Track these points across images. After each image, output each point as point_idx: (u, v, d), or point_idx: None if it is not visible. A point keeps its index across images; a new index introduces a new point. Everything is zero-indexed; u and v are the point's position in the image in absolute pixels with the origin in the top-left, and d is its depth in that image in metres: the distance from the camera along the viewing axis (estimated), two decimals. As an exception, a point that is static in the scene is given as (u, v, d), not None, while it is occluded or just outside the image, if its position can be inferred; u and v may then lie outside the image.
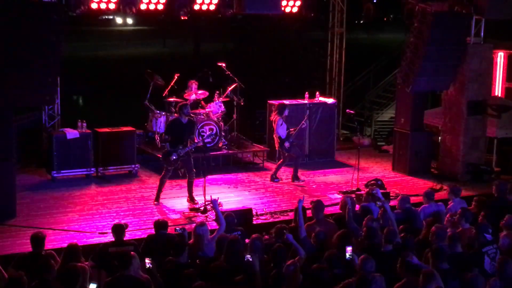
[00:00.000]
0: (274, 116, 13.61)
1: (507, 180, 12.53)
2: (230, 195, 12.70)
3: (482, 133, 14.43)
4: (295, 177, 13.67)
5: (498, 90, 17.14)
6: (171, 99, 14.81)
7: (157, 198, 12.08)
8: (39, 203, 12.03)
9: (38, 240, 8.28)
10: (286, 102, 15.44)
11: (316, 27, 24.74)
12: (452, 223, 9.49)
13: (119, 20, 64.51)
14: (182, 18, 14.25)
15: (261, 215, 11.49)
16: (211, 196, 11.19)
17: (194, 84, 14.99)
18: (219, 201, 11.80)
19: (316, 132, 15.20)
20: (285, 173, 14.32)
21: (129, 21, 64.60)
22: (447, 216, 9.94)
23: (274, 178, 13.75)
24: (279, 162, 13.88)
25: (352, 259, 7.88)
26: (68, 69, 15.65)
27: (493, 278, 7.49)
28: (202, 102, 14.93)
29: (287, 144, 13.44)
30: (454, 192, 10.81)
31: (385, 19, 51.62)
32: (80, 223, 10.95)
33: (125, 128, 14.20)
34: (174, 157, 11.76)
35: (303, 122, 13.80)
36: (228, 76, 15.21)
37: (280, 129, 13.45)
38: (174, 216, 11.43)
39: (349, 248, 7.98)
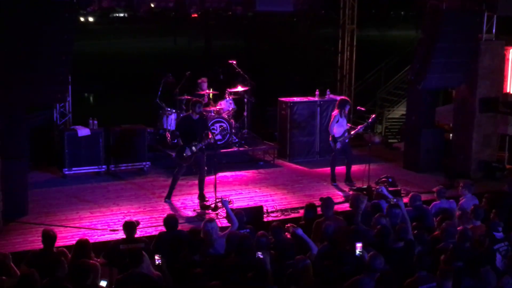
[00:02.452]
0: (334, 111, 13.34)
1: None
2: (240, 192, 12.71)
3: (494, 130, 14.36)
4: (348, 179, 13.33)
5: (510, 87, 17.03)
6: (182, 97, 14.83)
7: (169, 195, 12.09)
8: (51, 200, 12.08)
9: (49, 237, 8.32)
10: (296, 99, 15.46)
11: (327, 24, 24.70)
12: (462, 220, 9.47)
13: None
14: (193, 15, 14.25)
15: (272, 212, 11.48)
16: (222, 197, 11.19)
17: (204, 82, 15.01)
18: (230, 198, 11.84)
19: (326, 130, 15.14)
20: (301, 171, 14.32)
21: (90, 19, 64.78)
22: (458, 212, 9.95)
23: (333, 180, 13.43)
24: (331, 162, 13.46)
25: (362, 255, 7.88)
26: (79, 67, 15.70)
27: (505, 276, 7.47)
28: (211, 103, 14.92)
29: (338, 145, 13.05)
30: (467, 188, 10.78)
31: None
32: (91, 220, 10.99)
33: (136, 126, 14.23)
34: (188, 154, 11.76)
35: (367, 122, 13.50)
36: (239, 74, 15.21)
37: (334, 126, 13.11)
38: (184, 214, 11.44)
39: (359, 245, 7.98)
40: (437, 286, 7.19)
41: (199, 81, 15.09)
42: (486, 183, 13.43)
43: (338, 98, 15.74)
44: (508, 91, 16.56)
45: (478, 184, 12.87)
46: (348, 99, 13.59)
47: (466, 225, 9.19)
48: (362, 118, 13.86)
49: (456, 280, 7.40)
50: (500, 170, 14.15)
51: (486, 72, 13.98)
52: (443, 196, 10.60)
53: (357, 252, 7.92)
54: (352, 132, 13.23)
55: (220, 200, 11.21)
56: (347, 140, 13.24)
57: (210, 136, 12.03)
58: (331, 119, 13.26)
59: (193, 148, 11.73)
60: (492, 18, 13.96)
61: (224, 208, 11.15)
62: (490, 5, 13.68)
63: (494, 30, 14.09)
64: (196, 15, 14.03)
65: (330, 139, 13.30)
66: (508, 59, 16.53)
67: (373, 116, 13.72)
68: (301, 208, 11.00)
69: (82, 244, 8.32)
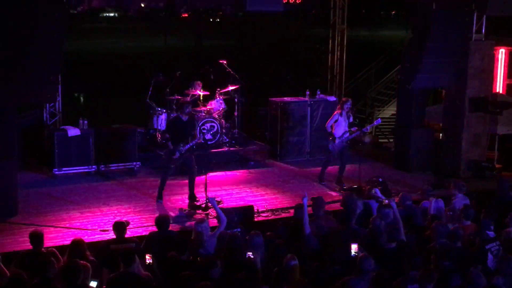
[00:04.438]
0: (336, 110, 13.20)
1: (508, 176, 12.53)
2: (231, 192, 12.71)
3: (484, 130, 14.41)
4: (339, 180, 13.25)
5: (499, 87, 17.13)
6: (173, 97, 14.81)
7: (160, 196, 12.07)
8: (41, 200, 12.03)
9: (36, 237, 8.29)
10: (287, 99, 15.47)
11: (318, 24, 24.76)
12: (451, 219, 9.52)
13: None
14: (183, 15, 14.23)
15: (262, 212, 11.49)
16: (208, 194, 11.19)
17: (198, 85, 15.01)
18: (220, 198, 11.85)
19: (317, 129, 15.19)
20: (292, 171, 14.34)
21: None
22: (448, 212, 10.00)
23: (321, 179, 13.44)
24: (324, 161, 13.42)
25: (357, 256, 7.89)
26: (69, 67, 15.64)
27: (496, 276, 7.49)
28: (200, 104, 14.88)
29: (337, 141, 12.90)
30: (458, 188, 10.82)
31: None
32: (81, 221, 10.96)
33: (126, 126, 14.19)
34: (177, 156, 11.76)
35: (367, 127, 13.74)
36: (230, 74, 15.20)
37: (330, 124, 12.96)
38: (175, 214, 11.42)
39: (354, 246, 8.00)
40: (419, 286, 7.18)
41: (195, 82, 15.06)
42: (476, 183, 13.48)
43: (329, 98, 15.81)
44: (497, 91, 16.66)
45: (467, 183, 12.92)
46: (348, 99, 13.40)
47: (454, 224, 9.24)
48: (353, 118, 13.88)
49: (444, 279, 7.42)
50: (490, 169, 14.21)
51: (476, 72, 14.03)
52: (429, 195, 10.63)
53: (353, 253, 7.93)
54: (353, 134, 13.10)
55: (207, 198, 11.19)
56: (344, 141, 13.06)
57: (199, 136, 12.03)
58: (331, 117, 13.19)
59: (181, 149, 11.72)
60: (481, 18, 14.01)
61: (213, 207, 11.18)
62: (480, 5, 13.74)
63: (483, 30, 14.14)
64: (186, 15, 13.99)
65: (330, 138, 13.12)
66: (497, 59, 16.63)
67: (379, 119, 13.85)
68: (292, 208, 10.98)
69: (77, 244, 8.29)
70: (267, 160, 15.20)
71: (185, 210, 11.63)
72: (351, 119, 13.11)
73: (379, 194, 10.43)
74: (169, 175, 12.12)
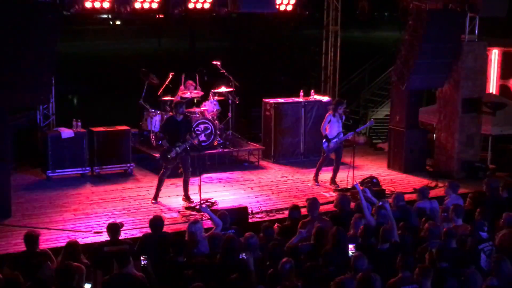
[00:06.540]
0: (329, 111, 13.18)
1: (502, 177, 12.56)
2: (225, 194, 12.70)
3: (477, 130, 14.45)
4: (333, 181, 13.26)
5: (492, 88, 17.20)
6: (166, 98, 14.81)
7: (156, 197, 12.06)
8: (34, 202, 12.00)
9: (31, 239, 8.28)
10: (281, 100, 15.48)
11: (311, 25, 24.78)
12: (445, 219, 9.54)
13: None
14: (176, 16, 14.20)
15: (257, 213, 11.48)
16: (202, 196, 11.15)
17: (191, 86, 15.00)
18: (214, 199, 11.85)
19: (311, 131, 15.20)
20: (286, 172, 14.35)
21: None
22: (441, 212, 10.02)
23: (316, 180, 13.43)
24: (319, 162, 13.42)
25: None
26: (62, 68, 15.62)
27: (489, 277, 7.50)
28: (195, 108, 14.88)
29: (332, 144, 12.91)
30: (452, 188, 10.85)
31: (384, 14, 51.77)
32: (75, 223, 10.93)
33: (120, 127, 14.17)
34: (173, 155, 11.76)
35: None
36: (223, 75, 15.20)
37: (325, 126, 12.95)
38: (169, 215, 11.41)
39: (351, 246, 8.01)
40: (418, 285, 7.20)
41: (187, 83, 15.05)
42: (469, 183, 13.51)
43: (323, 99, 15.82)
44: (490, 91, 16.72)
45: (461, 184, 12.95)
46: (342, 100, 13.40)
47: (448, 224, 9.25)
48: (346, 119, 13.90)
49: (441, 281, 7.43)
50: (483, 170, 14.23)
51: (469, 72, 14.06)
52: (425, 196, 10.65)
53: (350, 253, 7.95)
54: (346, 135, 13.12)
55: (200, 205, 11.15)
56: (339, 142, 13.03)
57: (193, 136, 12.03)
58: (324, 119, 13.19)
59: (177, 149, 11.73)
60: (474, 19, 14.05)
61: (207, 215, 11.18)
62: (473, 6, 13.76)
63: (476, 31, 14.18)
64: (180, 16, 13.89)
65: (323, 140, 13.11)
66: (490, 59, 16.68)
67: (372, 120, 13.89)
68: (286, 209, 11.01)
69: (72, 246, 8.28)
70: (261, 161, 15.20)
71: (179, 211, 11.62)
72: (343, 118, 13.13)
73: (369, 194, 10.43)
74: (167, 176, 12.10)
